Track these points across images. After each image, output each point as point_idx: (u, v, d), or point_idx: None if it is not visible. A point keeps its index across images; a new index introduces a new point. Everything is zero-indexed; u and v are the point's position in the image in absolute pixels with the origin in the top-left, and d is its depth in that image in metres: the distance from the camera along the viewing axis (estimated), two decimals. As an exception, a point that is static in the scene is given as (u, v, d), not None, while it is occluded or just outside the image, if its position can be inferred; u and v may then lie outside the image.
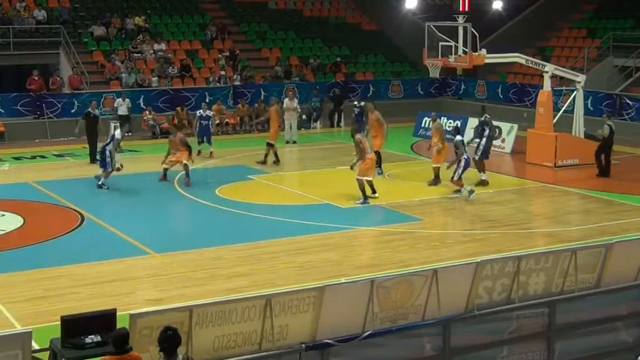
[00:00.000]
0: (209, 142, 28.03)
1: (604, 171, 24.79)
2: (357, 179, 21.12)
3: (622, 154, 26.72)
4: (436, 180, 23.23)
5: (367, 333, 9.87)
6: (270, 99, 29.49)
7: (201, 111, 28.44)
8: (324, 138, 32.37)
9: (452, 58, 26.19)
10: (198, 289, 14.80)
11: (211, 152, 27.93)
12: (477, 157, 23.43)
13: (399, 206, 21.01)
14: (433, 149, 23.27)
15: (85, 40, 35.80)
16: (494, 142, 29.13)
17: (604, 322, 11.65)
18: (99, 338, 9.63)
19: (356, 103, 29.24)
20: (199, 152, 27.35)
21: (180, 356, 8.28)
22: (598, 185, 23.71)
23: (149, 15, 38.29)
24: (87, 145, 27.09)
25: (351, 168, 21.80)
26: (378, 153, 23.30)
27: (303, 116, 33.93)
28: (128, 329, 8.64)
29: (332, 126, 34.99)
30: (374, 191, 21.44)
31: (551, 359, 11.22)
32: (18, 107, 32.08)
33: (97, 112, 27.75)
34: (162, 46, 36.54)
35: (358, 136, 21.71)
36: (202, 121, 28.12)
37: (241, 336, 9.28)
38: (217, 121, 32.79)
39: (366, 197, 21.09)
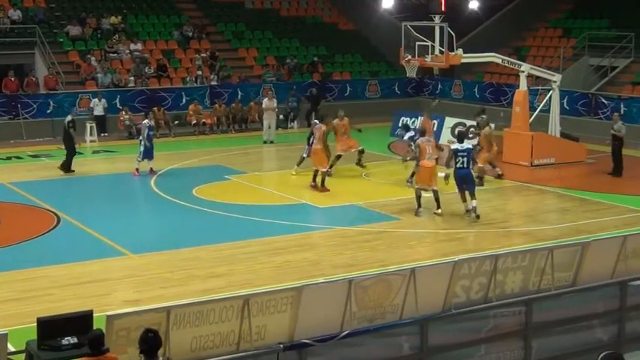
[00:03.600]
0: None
1: (619, 170, 24.80)
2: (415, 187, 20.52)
3: (598, 153, 26.88)
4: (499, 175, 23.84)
5: (345, 333, 9.87)
6: (339, 112, 25.19)
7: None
8: (302, 138, 32.26)
9: (429, 58, 26.28)
10: (176, 289, 14.76)
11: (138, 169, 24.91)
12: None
13: (376, 206, 21.03)
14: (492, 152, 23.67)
15: (61, 40, 35.59)
16: (472, 142, 29.32)
17: (580, 320, 11.71)
18: (75, 340, 9.60)
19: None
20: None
21: (161, 359, 8.24)
22: (574, 184, 23.84)
23: (125, 15, 38.11)
24: (61, 146, 26.28)
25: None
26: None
27: (281, 116, 33.92)
28: (104, 330, 8.60)
29: (309, 126, 34.86)
30: (438, 206, 20.07)
31: (528, 357, 11.26)
32: (-7, 108, 31.89)
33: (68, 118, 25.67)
34: (139, 45, 36.39)
35: (419, 140, 20.49)
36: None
37: (219, 336, 9.25)
38: (194, 121, 32.77)
39: (419, 206, 20.11)
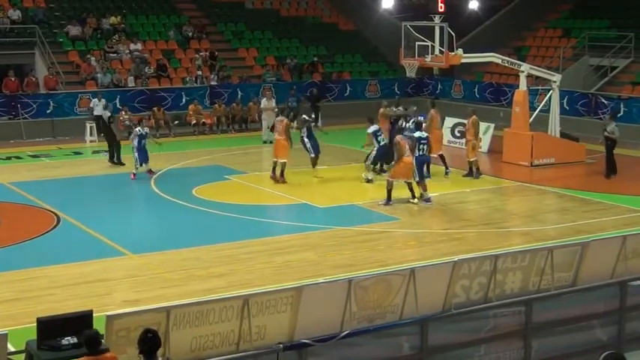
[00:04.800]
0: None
1: (614, 169, 24.75)
2: (387, 180, 21.17)
3: (597, 153, 26.83)
4: (470, 172, 24.53)
5: (345, 333, 9.87)
6: (427, 103, 26.32)
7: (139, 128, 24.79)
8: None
9: (428, 58, 26.27)
10: (176, 289, 14.75)
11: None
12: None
13: (376, 206, 21.03)
14: (469, 144, 24.69)
15: (61, 40, 35.58)
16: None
17: (580, 321, 11.71)
18: (75, 340, 9.59)
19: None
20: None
21: (160, 359, 8.24)
22: (574, 184, 23.85)
23: (125, 15, 38.11)
24: (61, 146, 27.00)
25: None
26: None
27: (280, 116, 33.87)
28: (98, 329, 8.63)
29: (309, 126, 34.93)
30: (413, 196, 21.20)
31: (527, 357, 11.26)
32: (-7, 108, 31.87)
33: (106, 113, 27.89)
34: (139, 45, 36.38)
35: (398, 137, 21.42)
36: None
37: (219, 336, 9.25)
38: (194, 121, 32.78)
39: (389, 199, 20.92)
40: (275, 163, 23.73)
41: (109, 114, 27.44)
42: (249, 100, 34.58)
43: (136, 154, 24.27)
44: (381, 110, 25.51)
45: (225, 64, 37.16)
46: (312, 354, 9.69)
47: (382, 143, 23.47)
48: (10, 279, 15.44)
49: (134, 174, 24.27)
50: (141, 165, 24.35)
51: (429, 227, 19.50)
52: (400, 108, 26.12)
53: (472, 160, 24.50)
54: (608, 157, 24.65)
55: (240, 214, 20.31)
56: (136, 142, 24.27)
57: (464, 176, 24.52)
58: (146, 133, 24.73)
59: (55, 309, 12.73)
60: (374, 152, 23.67)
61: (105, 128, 27.22)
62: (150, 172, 24.58)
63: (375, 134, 23.61)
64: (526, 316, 11.18)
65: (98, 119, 31.50)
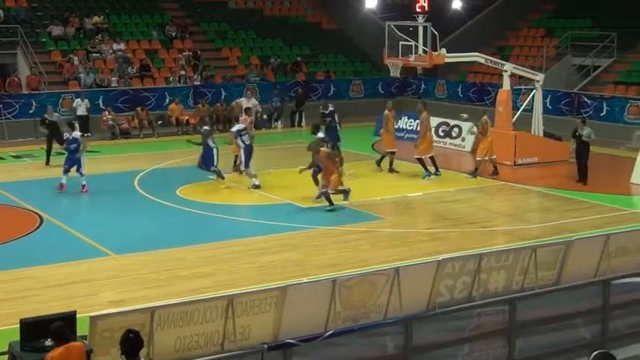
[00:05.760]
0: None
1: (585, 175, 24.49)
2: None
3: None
4: (475, 171, 24.71)
5: (329, 332, 9.87)
6: (418, 105, 25.65)
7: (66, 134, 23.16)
8: (286, 138, 32.33)
9: (412, 58, 26.30)
10: (160, 290, 14.73)
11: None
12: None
13: (360, 205, 21.05)
14: (484, 142, 24.77)
15: (43, 39, 35.44)
16: (455, 142, 29.41)
17: (563, 319, 11.75)
18: (59, 341, 9.55)
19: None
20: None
21: (142, 359, 8.23)
22: (557, 183, 23.94)
23: (108, 14, 37.99)
24: (44, 147, 26.97)
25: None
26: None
27: (264, 116, 33.92)
28: (88, 331, 8.61)
29: (293, 126, 35.00)
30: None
31: (511, 356, 11.29)
32: (-26, 108, 31.69)
33: (54, 116, 27.72)
34: (122, 45, 36.28)
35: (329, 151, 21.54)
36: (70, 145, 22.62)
37: (203, 337, 9.23)
38: (175, 119, 32.76)
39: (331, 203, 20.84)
40: (236, 157, 24.22)
41: (55, 117, 27.86)
42: (232, 99, 34.53)
43: (65, 162, 22.66)
44: (386, 112, 25.62)
45: (209, 64, 37.12)
46: (296, 354, 9.69)
47: (247, 143, 23.09)
48: (-7, 280, 15.39)
49: (62, 184, 22.42)
50: (65, 173, 22.43)
51: (413, 227, 19.53)
52: (330, 107, 26.27)
53: (479, 159, 24.71)
54: (585, 160, 24.30)
55: (224, 214, 20.30)
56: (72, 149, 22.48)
57: (469, 176, 24.65)
58: (74, 138, 22.49)
59: (39, 310, 12.67)
60: (242, 154, 23.25)
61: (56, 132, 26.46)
62: (61, 186, 22.38)
63: (239, 133, 23.37)
64: (510, 315, 11.21)
65: (81, 119, 31.45)
